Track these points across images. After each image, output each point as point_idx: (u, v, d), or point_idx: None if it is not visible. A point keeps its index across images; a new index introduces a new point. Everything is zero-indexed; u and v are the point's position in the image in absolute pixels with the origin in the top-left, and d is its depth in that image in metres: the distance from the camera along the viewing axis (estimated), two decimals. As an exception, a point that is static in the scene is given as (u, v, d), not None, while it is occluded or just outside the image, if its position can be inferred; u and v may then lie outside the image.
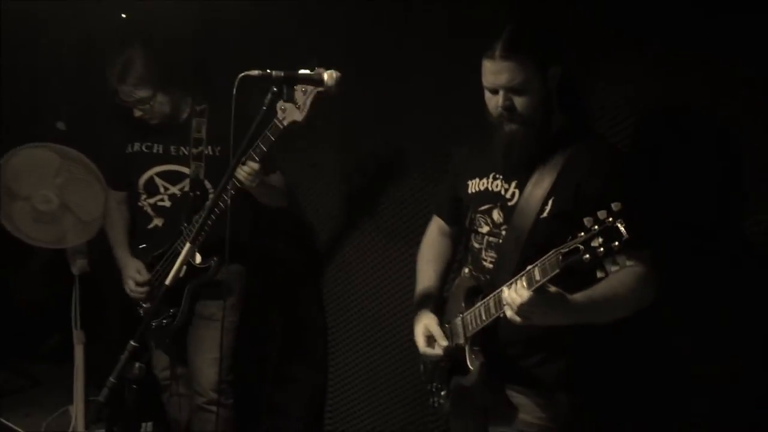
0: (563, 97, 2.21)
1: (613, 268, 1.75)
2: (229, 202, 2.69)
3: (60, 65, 4.15)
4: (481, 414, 2.35)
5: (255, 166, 2.91)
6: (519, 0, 2.72)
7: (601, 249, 1.72)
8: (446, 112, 3.03)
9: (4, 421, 3.71)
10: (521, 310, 1.93)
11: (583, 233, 1.76)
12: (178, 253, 2.49)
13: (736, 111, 2.35)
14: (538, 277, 1.89)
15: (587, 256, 1.74)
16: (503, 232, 2.24)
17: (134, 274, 3.25)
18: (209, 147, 3.15)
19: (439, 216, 2.63)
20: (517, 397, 2.25)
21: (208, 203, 3.04)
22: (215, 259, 3.10)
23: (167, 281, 2.36)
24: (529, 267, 1.93)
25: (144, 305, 3.28)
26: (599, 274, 1.77)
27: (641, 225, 2.05)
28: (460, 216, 2.47)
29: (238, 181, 2.93)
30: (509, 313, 1.98)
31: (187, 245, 2.30)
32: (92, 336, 3.69)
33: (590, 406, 2.26)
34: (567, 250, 1.79)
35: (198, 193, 3.13)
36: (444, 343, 2.32)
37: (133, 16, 3.73)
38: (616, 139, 2.59)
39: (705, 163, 2.43)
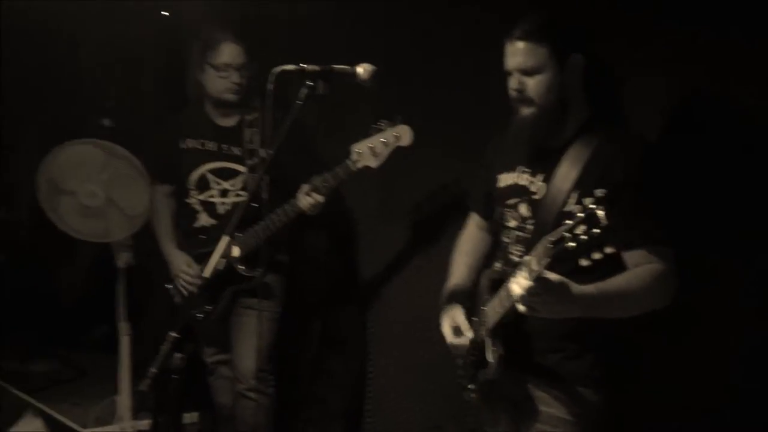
0: (591, 87, 2.18)
1: (595, 256, 1.71)
2: (267, 197, 2.70)
3: (102, 64, 4.24)
4: (510, 407, 2.34)
5: (320, 198, 2.97)
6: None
7: (584, 236, 1.69)
8: (484, 105, 3.02)
9: (50, 411, 3.80)
10: (523, 299, 1.91)
11: (570, 221, 1.73)
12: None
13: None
14: (534, 267, 1.85)
15: (572, 243, 1.71)
16: (530, 227, 2.23)
17: (186, 268, 3.28)
18: (262, 151, 3.18)
19: (475, 211, 2.63)
20: (543, 392, 2.22)
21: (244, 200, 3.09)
22: (260, 270, 3.16)
23: (206, 273, 2.42)
24: (525, 257, 1.89)
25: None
26: (584, 262, 1.73)
27: (662, 222, 2.03)
28: (495, 210, 2.45)
29: (300, 210, 3.00)
30: (518, 305, 1.95)
31: (224, 238, 2.34)
32: (138, 327, 3.77)
33: (617, 404, 2.22)
34: (555, 238, 1.76)
35: (256, 205, 3.10)
36: (469, 333, 2.32)
37: (173, 15, 3.79)
38: (649, 132, 2.55)
39: (738, 158, 2.36)
